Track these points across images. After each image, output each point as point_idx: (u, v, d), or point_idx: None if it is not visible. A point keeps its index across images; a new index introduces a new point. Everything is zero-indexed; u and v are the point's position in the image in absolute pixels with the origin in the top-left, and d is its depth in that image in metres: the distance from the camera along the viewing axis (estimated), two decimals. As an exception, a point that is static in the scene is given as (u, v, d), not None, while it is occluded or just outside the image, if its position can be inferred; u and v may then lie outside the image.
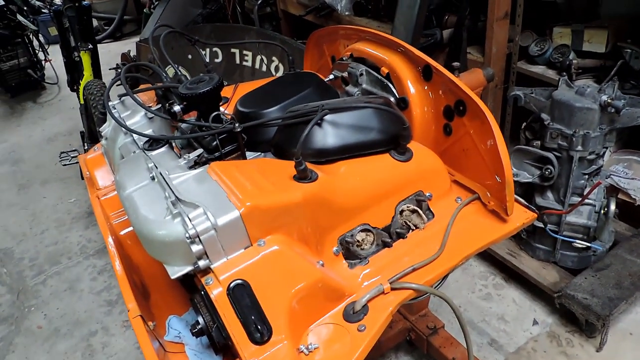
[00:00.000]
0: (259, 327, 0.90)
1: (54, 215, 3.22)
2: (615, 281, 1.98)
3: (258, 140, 1.24)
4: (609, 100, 1.74)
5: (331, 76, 1.52)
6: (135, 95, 1.42)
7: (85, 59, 2.76)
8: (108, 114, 1.49)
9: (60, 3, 2.86)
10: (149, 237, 0.96)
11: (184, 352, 1.15)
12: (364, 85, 1.41)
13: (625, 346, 1.97)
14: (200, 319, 0.99)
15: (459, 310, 1.07)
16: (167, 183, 1.02)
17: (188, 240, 0.91)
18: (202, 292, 0.93)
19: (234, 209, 0.93)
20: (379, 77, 1.35)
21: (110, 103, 1.51)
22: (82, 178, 2.77)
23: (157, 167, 1.08)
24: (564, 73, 1.99)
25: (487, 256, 2.38)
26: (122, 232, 1.41)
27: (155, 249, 0.98)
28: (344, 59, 1.49)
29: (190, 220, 0.91)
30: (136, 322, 1.02)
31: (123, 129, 1.36)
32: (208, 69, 1.44)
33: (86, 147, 2.59)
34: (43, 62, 4.80)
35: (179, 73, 1.38)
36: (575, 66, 2.26)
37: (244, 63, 2.43)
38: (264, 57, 2.38)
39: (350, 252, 1.10)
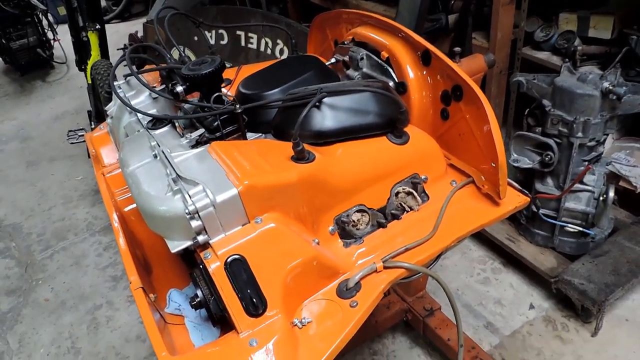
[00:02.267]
0: (255, 300, 0.94)
1: (61, 192, 3.28)
2: (612, 268, 2.00)
3: (258, 121, 1.27)
4: (611, 87, 1.74)
5: (333, 60, 1.53)
6: (140, 75, 1.45)
7: (93, 39, 2.78)
8: (113, 94, 1.52)
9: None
10: (150, 212, 0.99)
11: (183, 323, 1.19)
12: (364, 69, 1.43)
13: (620, 332, 2.00)
14: (199, 292, 1.03)
15: (448, 288, 1.10)
16: (168, 161, 1.05)
17: (188, 216, 0.95)
18: (201, 266, 0.97)
19: (232, 187, 0.96)
20: (379, 61, 1.37)
21: (115, 83, 1.53)
22: (89, 156, 2.82)
23: (159, 146, 1.12)
24: (567, 60, 1.99)
25: (486, 241, 2.41)
26: (126, 209, 1.45)
27: (157, 224, 1.01)
28: (345, 42, 1.50)
29: (190, 197, 0.94)
30: (137, 294, 1.06)
31: (128, 108, 1.40)
32: (212, 50, 1.46)
33: (93, 126, 2.63)
34: (52, 42, 4.83)
35: (183, 55, 1.40)
36: (580, 52, 2.26)
37: (249, 45, 2.44)
38: (268, 40, 2.39)
39: (345, 232, 1.13)
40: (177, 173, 1.00)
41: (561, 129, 1.87)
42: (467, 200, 1.18)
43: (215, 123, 1.18)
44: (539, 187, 2.04)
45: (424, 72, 1.29)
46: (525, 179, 2.10)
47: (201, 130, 1.16)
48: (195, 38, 2.68)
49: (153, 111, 1.40)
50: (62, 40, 4.74)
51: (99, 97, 2.49)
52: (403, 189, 1.18)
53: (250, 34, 2.40)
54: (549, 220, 2.04)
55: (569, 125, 1.84)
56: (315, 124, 1.15)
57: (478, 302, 2.20)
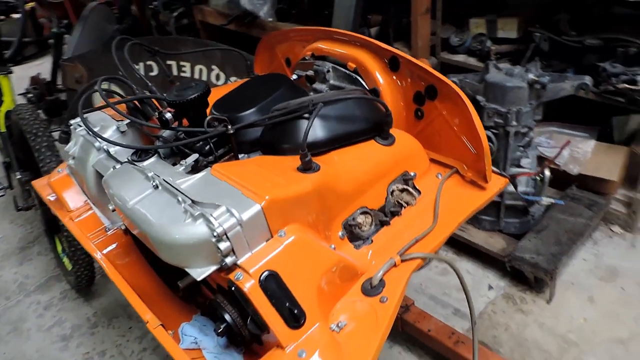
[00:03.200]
0: (294, 312, 0.94)
1: (-19, 255, 2.97)
2: (554, 239, 2.21)
3: (243, 141, 1.27)
4: (536, 78, 1.95)
5: (294, 76, 1.57)
6: (102, 110, 1.40)
7: (5, 84, 2.59)
8: (73, 134, 1.44)
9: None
10: (169, 242, 0.96)
11: (202, 357, 1.15)
12: (331, 82, 1.48)
13: (569, 295, 2.21)
14: (228, 317, 1.00)
15: (460, 272, 1.17)
16: (175, 188, 1.03)
17: (214, 239, 0.93)
18: (232, 288, 0.95)
19: (254, 204, 0.96)
20: (347, 72, 1.43)
21: (73, 121, 1.46)
22: (18, 208, 2.59)
23: (158, 176, 1.08)
24: (484, 60, 2.20)
25: (438, 234, 2.54)
26: (105, 251, 1.38)
27: (176, 254, 0.98)
28: (307, 58, 1.55)
29: (215, 219, 0.93)
30: (159, 332, 1.01)
31: (96, 144, 1.33)
32: (170, 79, 1.44)
33: (19, 176, 2.43)
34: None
35: (150, 84, 1.37)
36: (494, 52, 2.50)
37: (182, 74, 2.40)
38: (202, 66, 2.37)
39: (353, 235, 1.16)
40: (191, 199, 0.98)
41: (497, 120, 2.05)
42: (455, 189, 1.27)
43: (207, 147, 1.17)
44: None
45: (394, 77, 1.37)
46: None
47: (195, 155, 1.14)
48: (120, 73, 2.58)
49: (117, 147, 1.34)
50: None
51: (22, 144, 2.32)
52: (397, 187, 1.24)
53: (182, 62, 2.36)
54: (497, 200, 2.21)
55: (503, 116, 2.03)
56: (296, 137, 1.17)
57: (442, 292, 2.32)
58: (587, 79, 2.00)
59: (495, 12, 2.61)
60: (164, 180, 1.06)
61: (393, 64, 1.36)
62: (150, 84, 1.37)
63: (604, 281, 2.25)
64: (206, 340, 1.15)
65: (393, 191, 1.24)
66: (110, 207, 1.21)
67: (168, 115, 1.14)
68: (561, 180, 2.48)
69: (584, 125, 2.55)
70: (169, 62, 2.48)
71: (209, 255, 0.96)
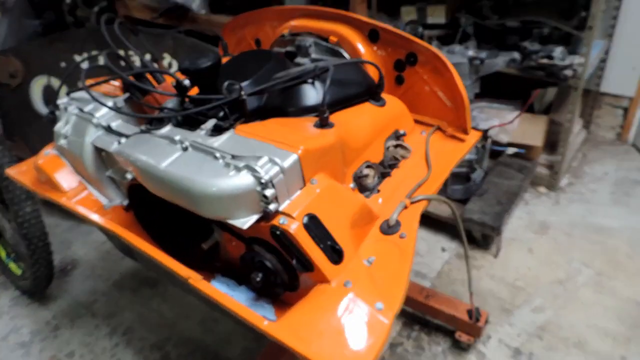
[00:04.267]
0: (336, 249, 1.05)
1: None
2: (495, 200, 2.48)
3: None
4: (475, 54, 2.19)
5: (274, 53, 1.66)
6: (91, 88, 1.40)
7: None
8: (62, 113, 1.42)
9: None
10: (214, 195, 1.01)
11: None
12: (313, 55, 1.59)
13: (512, 249, 2.48)
14: (268, 263, 1.08)
15: (457, 212, 1.33)
16: (210, 147, 1.08)
17: (259, 188, 1.00)
18: (278, 232, 1.03)
19: (291, 154, 1.04)
20: (330, 45, 1.55)
21: (61, 101, 1.44)
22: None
23: (185, 139, 1.13)
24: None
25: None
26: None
27: (220, 207, 1.03)
28: (284, 35, 1.64)
29: (260, 168, 1.00)
30: (204, 284, 1.05)
31: (93, 121, 1.34)
32: (155, 57, 1.47)
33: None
34: None
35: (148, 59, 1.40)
36: (427, 37, 2.73)
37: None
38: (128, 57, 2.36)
39: (362, 186, 1.28)
40: (230, 154, 1.05)
41: (443, 94, 2.27)
42: (439, 143, 1.43)
43: (221, 113, 1.23)
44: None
45: (374, 48, 1.51)
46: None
47: (214, 120, 1.20)
48: (63, 64, 2.49)
49: (118, 122, 1.36)
50: None
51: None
52: (392, 143, 1.37)
53: (130, 52, 2.32)
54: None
55: (448, 90, 2.24)
56: (312, 99, 1.28)
57: (401, 258, 2.50)
58: (516, 54, 2.28)
59: (425, 0, 2.85)
60: (195, 141, 1.11)
61: (372, 36, 1.50)
62: (144, 59, 1.39)
63: (538, 234, 2.56)
64: (236, 295, 1.21)
65: (389, 147, 1.37)
66: (129, 176, 1.22)
67: (187, 82, 1.19)
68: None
69: (508, 99, 2.87)
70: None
71: (252, 204, 1.03)
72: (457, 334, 2.02)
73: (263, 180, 0.99)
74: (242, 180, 1.01)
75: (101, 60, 2.40)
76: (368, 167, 1.30)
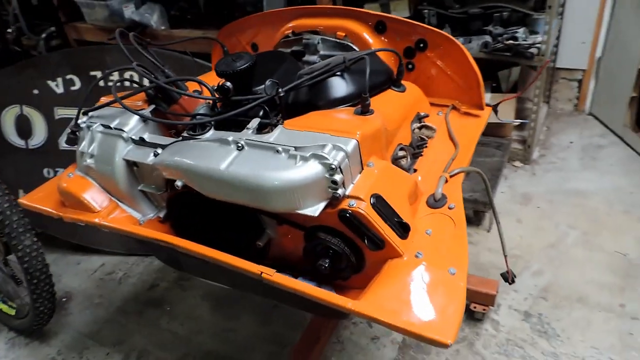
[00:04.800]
0: (403, 224, 1.10)
1: None
2: (480, 178, 2.60)
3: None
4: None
5: (279, 54, 1.69)
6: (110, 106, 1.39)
7: None
8: (85, 132, 1.39)
9: None
10: (285, 188, 1.04)
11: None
12: (321, 52, 1.64)
13: (503, 222, 2.56)
14: (336, 247, 1.12)
15: (487, 181, 1.41)
16: (268, 143, 1.11)
17: (327, 175, 1.04)
18: (347, 215, 1.06)
19: (351, 140, 1.09)
20: (339, 41, 1.60)
21: (82, 120, 1.40)
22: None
23: (240, 138, 1.14)
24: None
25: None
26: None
27: (290, 198, 1.05)
28: (289, 36, 1.68)
29: (327, 155, 1.04)
30: (279, 277, 1.07)
31: (123, 135, 1.32)
32: (164, 69, 1.47)
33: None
34: None
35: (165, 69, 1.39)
36: (393, 30, 2.82)
37: (110, 84, 2.30)
38: (133, 73, 2.31)
39: (399, 167, 1.34)
40: (293, 146, 1.08)
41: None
42: (457, 121, 1.52)
43: (261, 112, 1.25)
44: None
45: (382, 39, 1.57)
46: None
47: (258, 119, 1.22)
48: (36, 91, 2.40)
49: (146, 134, 1.35)
50: None
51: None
52: (417, 125, 1.44)
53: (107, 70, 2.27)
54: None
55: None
56: (342, 90, 1.32)
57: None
58: (487, 38, 2.42)
59: (387, -5, 2.96)
60: (249, 140, 1.13)
61: (379, 27, 1.57)
62: (167, 70, 1.39)
63: (523, 205, 2.72)
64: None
65: (414, 129, 1.44)
66: (179, 184, 1.21)
67: (228, 84, 1.20)
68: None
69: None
70: (92, 73, 2.37)
71: (321, 191, 1.06)
72: (471, 305, 2.12)
73: (333, 166, 1.03)
74: (311, 169, 1.04)
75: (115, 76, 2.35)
76: (402, 149, 1.36)
